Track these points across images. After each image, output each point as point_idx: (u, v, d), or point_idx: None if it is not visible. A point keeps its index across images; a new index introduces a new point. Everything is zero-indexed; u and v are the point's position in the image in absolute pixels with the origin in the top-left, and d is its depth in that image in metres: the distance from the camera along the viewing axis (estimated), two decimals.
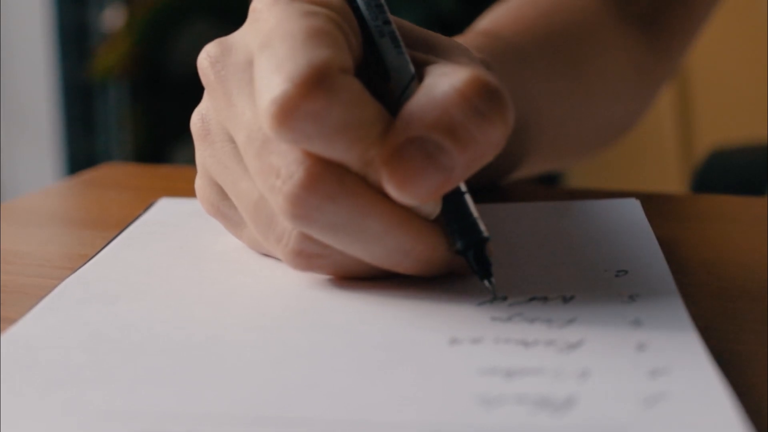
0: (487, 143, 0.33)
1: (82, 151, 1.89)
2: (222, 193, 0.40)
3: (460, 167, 0.33)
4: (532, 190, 0.57)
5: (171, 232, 0.45)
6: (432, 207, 0.35)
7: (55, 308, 0.36)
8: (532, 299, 0.35)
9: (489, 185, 0.53)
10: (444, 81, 0.34)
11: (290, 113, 0.32)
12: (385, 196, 0.34)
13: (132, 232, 0.45)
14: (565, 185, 1.61)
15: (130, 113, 1.81)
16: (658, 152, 1.68)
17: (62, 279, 0.39)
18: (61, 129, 1.89)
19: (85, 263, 0.41)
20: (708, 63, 1.49)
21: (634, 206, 0.46)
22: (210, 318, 0.35)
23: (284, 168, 0.34)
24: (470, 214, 0.36)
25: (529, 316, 0.34)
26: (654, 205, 0.47)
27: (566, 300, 0.35)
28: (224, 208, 0.40)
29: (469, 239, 0.36)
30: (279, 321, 0.34)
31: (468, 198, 0.36)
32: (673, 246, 0.42)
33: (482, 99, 0.33)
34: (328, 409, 0.28)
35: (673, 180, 1.66)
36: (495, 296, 0.36)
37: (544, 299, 0.35)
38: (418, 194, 0.33)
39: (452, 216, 0.36)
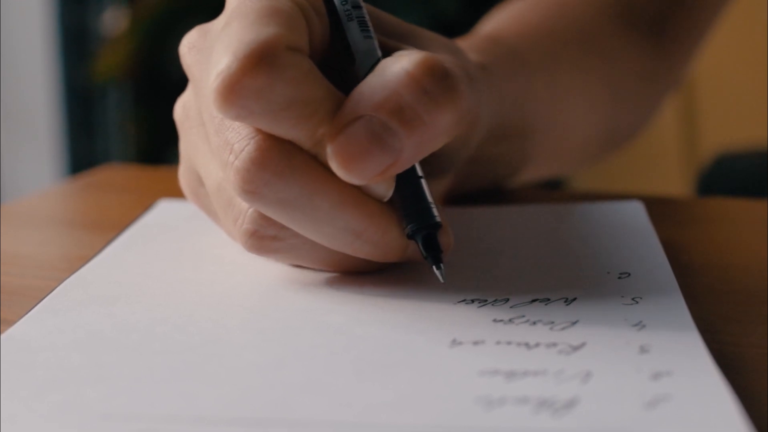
0: (436, 126, 0.33)
1: (82, 153, 1.89)
2: (200, 180, 0.40)
3: (409, 149, 0.33)
4: (535, 193, 0.57)
5: (170, 234, 0.45)
6: (384, 189, 0.35)
7: (54, 309, 0.36)
8: (534, 301, 0.35)
9: (491, 188, 0.53)
10: (396, 62, 0.34)
11: (233, 89, 0.32)
12: (337, 176, 0.34)
13: (131, 234, 0.45)
14: (569, 188, 1.60)
15: (132, 116, 1.81)
16: (663, 156, 1.68)
17: (61, 281, 0.38)
18: (61, 131, 1.89)
19: (84, 265, 0.40)
20: (713, 67, 1.49)
21: (638, 209, 0.46)
22: (209, 319, 0.35)
23: (237, 143, 0.34)
24: (424, 199, 0.36)
25: (531, 317, 0.34)
26: (657, 208, 0.47)
27: (568, 302, 0.35)
28: (203, 195, 0.41)
29: (419, 224, 0.36)
30: (278, 323, 0.34)
31: (424, 183, 0.36)
32: (676, 249, 0.42)
33: (432, 81, 0.33)
34: (328, 411, 0.28)
35: (677, 184, 1.66)
36: (444, 281, 0.36)
37: (546, 301, 0.35)
38: (363, 174, 0.33)
39: (406, 200, 0.36)
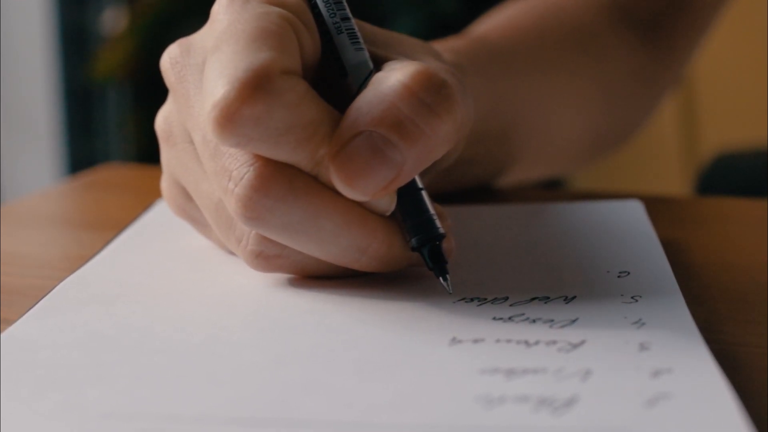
0: (436, 136, 0.33)
1: (82, 153, 1.89)
2: (187, 195, 0.40)
3: (411, 161, 0.33)
4: (535, 192, 0.57)
5: (170, 233, 0.45)
6: (386, 203, 0.35)
7: (53, 309, 0.36)
8: (533, 299, 0.35)
9: (475, 188, 0.53)
10: (392, 75, 0.34)
11: (231, 117, 0.32)
12: (338, 195, 0.34)
13: (131, 233, 0.45)
14: (568, 187, 1.60)
15: (131, 115, 1.81)
16: (663, 155, 1.68)
17: (61, 280, 0.38)
18: (61, 131, 1.88)
19: (84, 264, 0.40)
20: (713, 66, 1.49)
21: (637, 208, 0.46)
22: (208, 319, 0.35)
23: (235, 170, 0.34)
24: (426, 211, 0.36)
25: (530, 315, 0.34)
26: (657, 207, 0.47)
27: (568, 300, 0.35)
28: (190, 209, 0.40)
29: (424, 236, 0.36)
30: (278, 322, 0.34)
31: (425, 194, 0.36)
32: (675, 248, 0.42)
33: (429, 92, 0.33)
34: (328, 411, 0.28)
35: (676, 183, 1.65)
36: (451, 292, 0.36)
37: (546, 299, 0.35)
38: (367, 189, 0.33)
39: (408, 213, 0.36)
